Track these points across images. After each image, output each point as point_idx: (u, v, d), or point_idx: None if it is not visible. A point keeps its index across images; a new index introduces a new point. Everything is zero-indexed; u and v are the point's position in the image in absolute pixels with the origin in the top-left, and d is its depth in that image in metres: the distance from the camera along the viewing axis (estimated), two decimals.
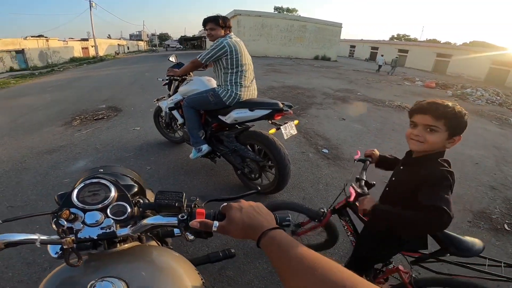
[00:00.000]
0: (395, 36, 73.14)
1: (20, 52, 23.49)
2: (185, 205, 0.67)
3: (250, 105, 2.35)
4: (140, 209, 0.72)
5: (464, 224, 2.58)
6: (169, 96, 3.13)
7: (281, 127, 2.33)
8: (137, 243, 0.75)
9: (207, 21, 2.49)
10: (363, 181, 1.29)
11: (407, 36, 72.77)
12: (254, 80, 2.63)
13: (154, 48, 59.92)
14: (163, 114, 3.31)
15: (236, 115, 2.36)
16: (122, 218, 0.67)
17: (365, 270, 1.41)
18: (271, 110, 2.25)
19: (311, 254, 0.44)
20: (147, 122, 4.35)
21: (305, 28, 26.33)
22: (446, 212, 0.88)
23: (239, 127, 2.55)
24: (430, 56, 28.75)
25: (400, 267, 1.35)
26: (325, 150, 3.94)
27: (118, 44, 47.82)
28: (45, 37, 28.36)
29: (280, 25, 25.37)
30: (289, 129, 2.38)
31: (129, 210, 0.69)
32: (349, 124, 5.34)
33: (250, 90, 2.53)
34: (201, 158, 2.85)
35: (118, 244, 0.69)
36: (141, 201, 0.77)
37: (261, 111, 2.27)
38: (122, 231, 0.66)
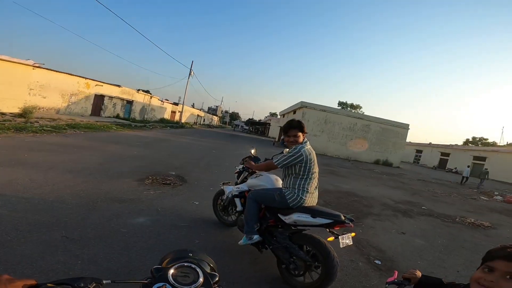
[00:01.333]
0: (470, 139, 64.85)
1: (130, 102, 26.32)
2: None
3: (313, 212, 2.44)
4: None
5: None
6: (236, 184, 3.41)
7: (339, 236, 2.39)
8: None
9: (291, 127, 2.56)
10: None
11: (485, 139, 62.72)
12: (318, 187, 2.71)
13: (210, 125, 61.77)
14: (224, 197, 3.53)
15: (297, 218, 2.45)
16: None
17: None
18: (332, 221, 2.34)
19: None
20: (206, 199, 4.59)
21: (368, 127, 25.46)
22: None
23: (294, 228, 2.63)
24: None
25: None
26: (378, 261, 3.57)
27: (198, 115, 53.81)
28: (150, 94, 31.52)
29: (343, 123, 24.95)
30: (346, 239, 2.42)
31: None
32: (409, 239, 4.80)
33: (313, 196, 2.61)
34: (252, 249, 2.92)
35: None
36: None
37: (323, 219, 2.37)
38: None
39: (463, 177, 17.58)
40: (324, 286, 2.37)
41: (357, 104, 55.60)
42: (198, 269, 0.82)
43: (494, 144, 53.75)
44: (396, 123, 26.55)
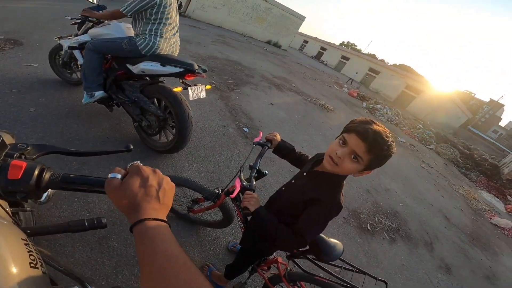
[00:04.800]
0: (345, 42, 78.14)
1: None
2: (2, 154, 0.49)
3: (164, 60, 2.15)
4: None
5: (340, 220, 2.88)
6: (76, 36, 2.64)
7: (189, 87, 2.24)
8: None
9: None
10: (255, 170, 1.22)
11: (355, 46, 78.46)
12: (178, 34, 2.41)
13: None
14: (62, 52, 2.82)
15: (144, 66, 2.14)
16: None
17: (251, 261, 1.41)
18: (183, 69, 2.11)
19: (181, 259, 0.38)
20: None
21: (270, 11, 25.15)
22: (305, 243, 0.95)
23: (148, 79, 2.34)
24: (364, 68, 30.62)
25: (279, 259, 1.39)
26: (246, 129, 3.92)
27: None
28: None
29: (248, 1, 23.47)
30: (198, 91, 2.29)
31: None
32: (275, 110, 5.46)
33: (171, 43, 2.32)
34: (106, 109, 2.57)
35: None
36: None
37: (173, 68, 2.11)
38: None
39: (350, 79, 21.85)
40: (179, 145, 2.29)
41: None
42: None
43: (359, 50, 63.83)
44: (295, 12, 27.20)
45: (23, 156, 0.53)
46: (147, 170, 0.49)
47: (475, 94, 61.45)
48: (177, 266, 0.37)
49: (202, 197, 1.59)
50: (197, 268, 0.38)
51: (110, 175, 0.47)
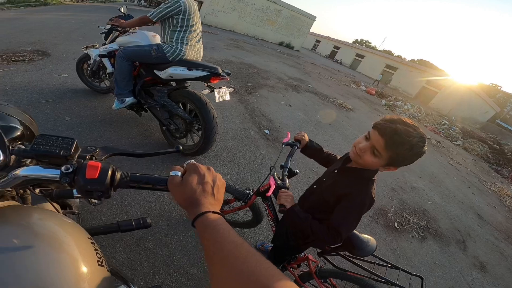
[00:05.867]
0: (358, 40, 76.67)
1: None
2: (76, 156, 0.52)
3: (190, 64, 2.27)
4: (17, 157, 0.53)
5: (366, 219, 2.87)
6: (104, 45, 2.81)
7: (215, 90, 2.35)
8: (13, 202, 0.54)
9: None
10: (287, 169, 1.25)
11: (369, 43, 76.79)
12: (201, 40, 2.53)
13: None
14: (90, 61, 2.98)
15: (172, 71, 2.27)
16: None
17: (282, 259, 1.43)
18: (208, 73, 2.22)
19: (246, 246, 0.40)
20: None
21: (280, 12, 25.31)
22: (340, 238, 0.97)
23: (174, 84, 2.47)
24: (381, 66, 29.89)
25: (310, 256, 1.40)
26: (267, 131, 3.98)
27: None
28: None
29: (257, 4, 23.77)
30: (223, 93, 2.40)
31: (1, 157, 0.50)
32: (294, 111, 5.48)
33: (195, 49, 2.44)
34: (134, 114, 2.70)
35: None
36: (24, 147, 0.55)
37: (199, 71, 2.23)
38: None
39: (376, 80, 21.75)
40: (205, 146, 2.38)
41: None
42: None
43: (374, 47, 62.66)
44: (305, 13, 27.10)
45: (93, 158, 0.56)
46: (203, 168, 0.52)
47: (501, 87, 57.97)
48: (244, 251, 0.38)
49: (232, 198, 1.63)
50: (261, 254, 0.39)
51: (171, 173, 0.51)
